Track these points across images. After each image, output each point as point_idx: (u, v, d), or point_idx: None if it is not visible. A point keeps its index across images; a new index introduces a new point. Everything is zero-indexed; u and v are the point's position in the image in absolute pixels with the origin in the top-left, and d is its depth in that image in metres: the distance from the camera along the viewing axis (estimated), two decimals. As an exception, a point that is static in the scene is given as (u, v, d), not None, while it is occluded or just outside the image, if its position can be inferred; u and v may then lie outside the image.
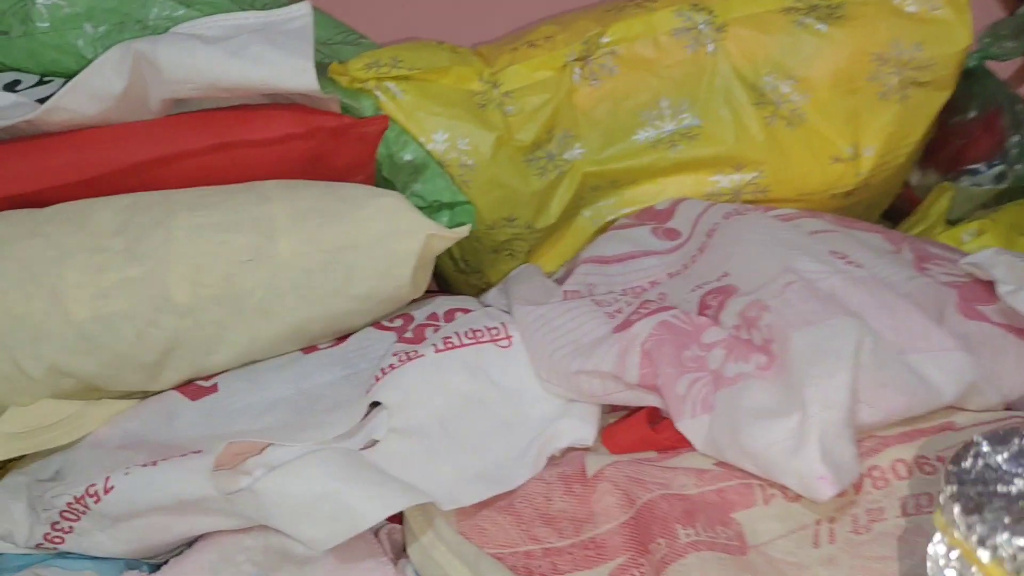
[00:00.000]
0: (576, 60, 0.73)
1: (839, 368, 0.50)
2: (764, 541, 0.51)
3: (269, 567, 0.55)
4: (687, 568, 0.49)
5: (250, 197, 0.61)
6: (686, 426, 0.54)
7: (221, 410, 0.60)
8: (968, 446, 0.37)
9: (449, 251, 0.77)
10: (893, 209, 0.87)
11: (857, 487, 0.52)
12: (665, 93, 0.73)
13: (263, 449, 0.55)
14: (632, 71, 0.73)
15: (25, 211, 0.62)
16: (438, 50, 0.73)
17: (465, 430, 0.58)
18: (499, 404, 0.59)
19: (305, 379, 0.61)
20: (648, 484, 0.53)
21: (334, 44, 0.75)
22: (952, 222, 0.84)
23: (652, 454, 0.57)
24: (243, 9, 0.68)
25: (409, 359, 0.59)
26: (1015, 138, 0.84)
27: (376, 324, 0.65)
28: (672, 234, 0.70)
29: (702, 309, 0.60)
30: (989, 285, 0.60)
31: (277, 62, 0.61)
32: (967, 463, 0.37)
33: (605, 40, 0.73)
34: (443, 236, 0.61)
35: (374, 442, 0.57)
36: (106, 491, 0.54)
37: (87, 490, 0.54)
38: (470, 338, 0.61)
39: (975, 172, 0.85)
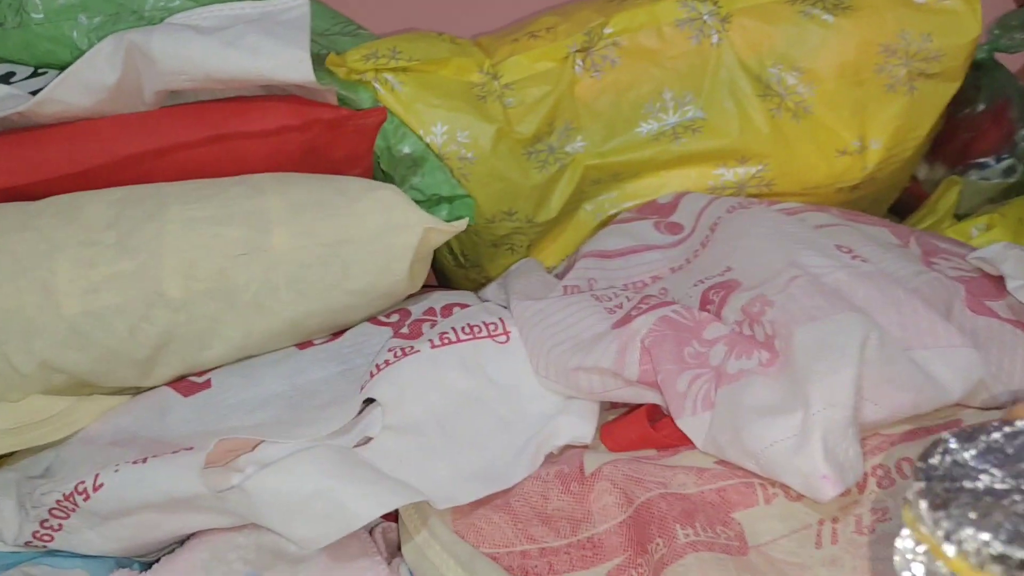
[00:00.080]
0: (578, 51, 0.71)
1: (843, 365, 0.49)
2: (765, 541, 0.50)
3: (262, 566, 0.54)
4: (686, 569, 0.47)
5: (244, 190, 0.60)
6: (686, 424, 0.53)
7: (214, 406, 0.59)
8: (936, 443, 0.37)
9: (448, 245, 0.77)
10: (900, 203, 0.86)
11: (861, 487, 0.51)
12: (668, 85, 0.72)
13: (255, 446, 0.54)
14: (635, 62, 0.72)
15: (16, 204, 0.61)
16: (437, 41, 0.72)
17: (461, 427, 0.57)
18: (496, 401, 0.58)
19: (300, 375, 0.60)
20: (647, 483, 0.52)
21: (332, 35, 0.74)
22: (960, 216, 0.83)
23: (652, 452, 0.56)
24: (240, -1, 0.67)
25: (405, 355, 0.58)
26: (1024, 131, 0.83)
27: (372, 319, 0.64)
28: (675, 228, 0.69)
29: (704, 304, 0.59)
30: (998, 280, 0.59)
31: (273, 53, 0.61)
32: (935, 460, 0.37)
33: (608, 31, 0.71)
34: (441, 230, 0.60)
35: (368, 439, 0.56)
36: (95, 488, 0.53)
37: (76, 487, 0.53)
38: (467, 334, 0.60)
39: (984, 166, 0.84)
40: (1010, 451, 0.36)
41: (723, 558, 0.48)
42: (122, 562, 0.58)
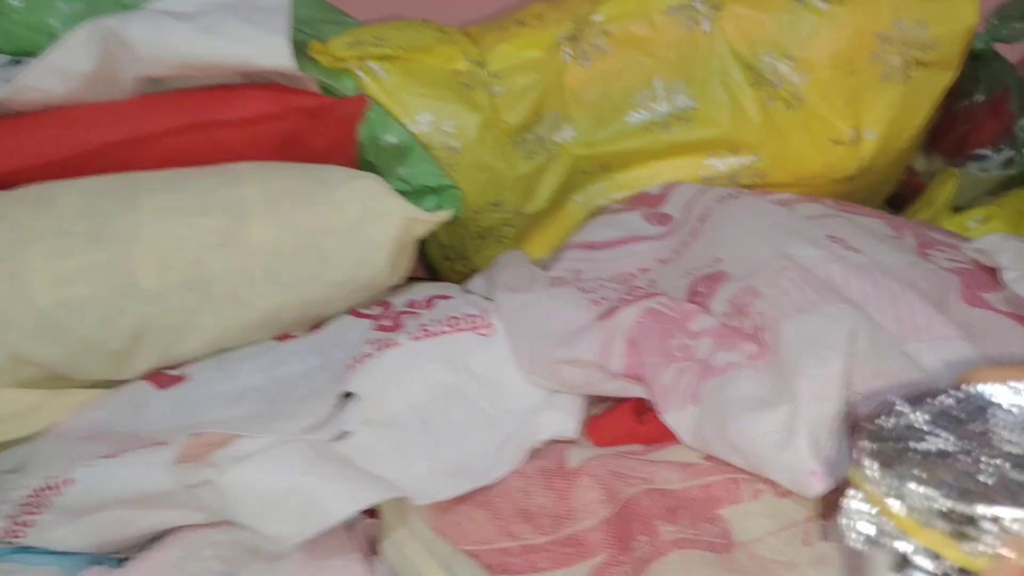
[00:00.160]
0: (567, 39, 0.70)
1: (832, 358, 0.47)
2: (751, 539, 0.49)
3: (237, 563, 0.53)
4: (669, 567, 0.46)
5: (221, 179, 0.59)
6: (672, 418, 0.52)
7: (191, 400, 0.58)
8: (886, 405, 0.38)
9: (435, 237, 0.75)
10: (897, 196, 0.86)
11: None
12: (659, 73, 0.71)
13: (229, 441, 0.52)
14: (625, 51, 0.71)
15: (-11, 193, 0.60)
16: (423, 29, 0.71)
17: (442, 422, 0.55)
18: (478, 395, 0.57)
19: (278, 368, 0.59)
20: (630, 479, 0.51)
21: (316, 23, 0.73)
22: (958, 209, 0.82)
23: (637, 447, 0.54)
24: (219, -15, 0.66)
25: (385, 347, 0.57)
26: (1023, 122, 0.82)
27: (353, 311, 0.63)
28: (664, 219, 0.68)
29: (692, 296, 0.57)
30: (993, 272, 0.58)
31: (252, 39, 0.60)
32: (883, 421, 0.37)
33: (597, 18, 0.70)
34: (422, 220, 0.59)
35: (346, 434, 0.54)
36: (66, 483, 0.52)
37: (47, 482, 0.52)
38: (449, 326, 0.58)
39: (982, 158, 0.83)
40: (959, 415, 0.36)
41: (708, 556, 0.47)
42: (96, 559, 0.56)
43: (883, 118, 0.71)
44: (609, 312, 0.55)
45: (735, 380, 0.50)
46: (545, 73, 0.69)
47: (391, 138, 0.68)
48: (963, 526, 0.31)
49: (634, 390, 0.54)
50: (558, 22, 0.70)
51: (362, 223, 0.58)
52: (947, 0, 0.69)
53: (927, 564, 0.33)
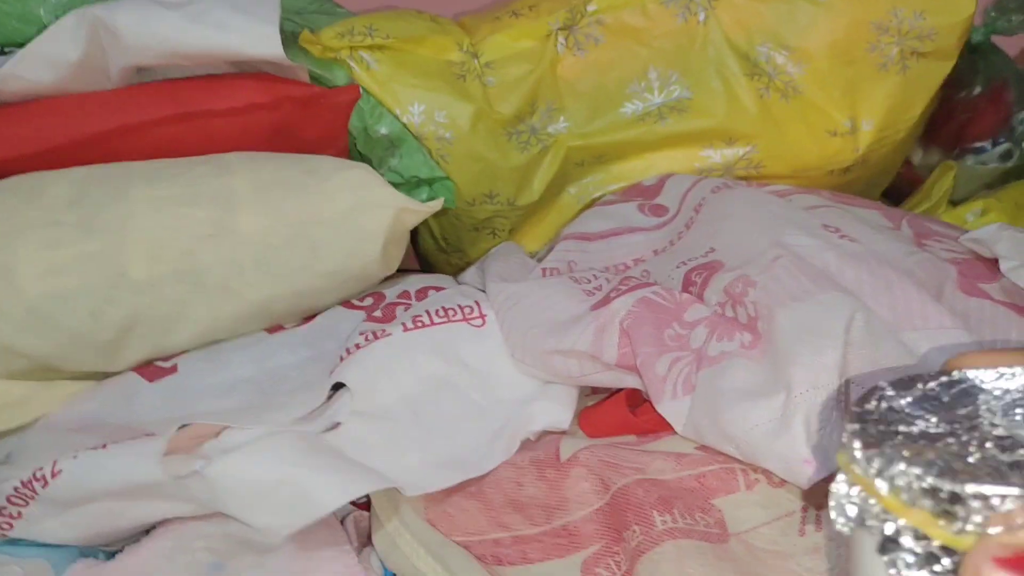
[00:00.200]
0: (560, 29, 0.69)
1: (827, 347, 0.47)
2: (746, 529, 0.48)
3: (227, 555, 0.52)
4: (663, 556, 0.46)
5: (211, 169, 0.58)
6: (666, 408, 0.51)
7: (181, 391, 0.57)
8: (873, 390, 0.37)
9: (429, 229, 0.75)
10: (894, 189, 0.85)
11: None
12: (654, 64, 0.70)
13: (219, 432, 0.52)
14: (619, 41, 0.70)
15: (-23, 184, 0.59)
16: (416, 19, 0.70)
17: (433, 413, 0.55)
18: (470, 386, 0.56)
19: (269, 359, 0.58)
20: (624, 469, 0.50)
21: (308, 13, 0.73)
22: (955, 202, 0.82)
23: (630, 438, 0.54)
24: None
25: (376, 338, 0.56)
26: (1022, 115, 0.82)
27: (345, 303, 0.62)
28: (659, 210, 0.67)
29: (686, 286, 0.57)
30: (991, 262, 0.58)
31: (241, 28, 0.59)
32: (870, 405, 0.36)
33: (591, 8, 0.69)
34: (414, 210, 0.58)
35: (337, 425, 0.54)
36: (53, 475, 0.51)
37: (34, 474, 0.51)
38: (441, 317, 0.58)
39: (980, 150, 0.83)
40: (946, 399, 0.36)
41: (702, 546, 0.46)
42: (85, 552, 0.56)
43: (880, 109, 0.70)
44: (603, 302, 0.55)
45: (729, 369, 0.49)
46: (539, 63, 0.69)
47: (383, 129, 0.67)
48: (949, 504, 0.31)
49: (628, 380, 0.54)
50: (552, 12, 0.69)
51: (353, 213, 0.57)
52: (944, -10, 0.68)
53: (913, 544, 0.32)
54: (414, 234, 0.76)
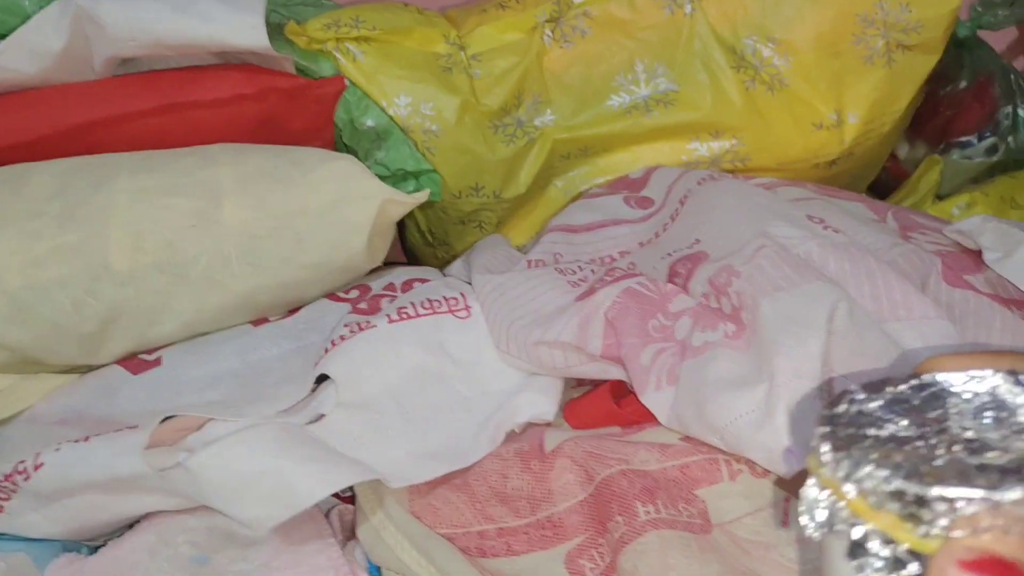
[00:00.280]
0: (547, 21, 0.69)
1: (810, 336, 0.47)
2: (729, 519, 0.48)
3: (210, 548, 0.52)
4: (646, 547, 0.46)
5: (195, 160, 0.58)
6: (650, 399, 0.51)
7: (165, 384, 0.57)
8: (843, 394, 0.37)
9: (416, 223, 0.74)
10: (881, 183, 0.85)
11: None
12: (640, 56, 0.70)
13: (203, 424, 0.52)
14: (606, 33, 0.70)
15: (-42, 176, 0.59)
16: (402, 11, 0.70)
17: (418, 405, 0.55)
18: (455, 378, 0.56)
19: (253, 352, 0.58)
20: (608, 459, 0.50)
21: (294, 4, 0.72)
22: (942, 196, 0.82)
23: (615, 429, 0.54)
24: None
25: (361, 330, 0.56)
26: (1007, 109, 0.82)
27: (331, 295, 0.62)
28: (645, 203, 0.67)
29: (671, 277, 0.57)
30: (976, 254, 0.58)
31: (226, 18, 0.58)
32: (840, 408, 0.36)
33: (577, 0, 0.69)
34: (400, 201, 0.58)
35: (321, 417, 0.54)
36: (36, 468, 0.51)
37: (16, 467, 0.51)
38: (426, 308, 0.58)
39: (966, 145, 0.83)
40: (916, 402, 0.36)
41: (685, 536, 0.46)
42: (68, 546, 0.55)
43: (866, 101, 0.70)
44: (587, 293, 0.55)
45: (713, 360, 0.49)
46: (525, 56, 0.69)
47: (369, 121, 0.67)
48: (915, 508, 0.31)
49: (612, 372, 0.54)
50: (539, 4, 0.69)
51: (339, 205, 0.57)
52: (930, -18, 0.68)
53: (880, 548, 0.32)
54: (402, 227, 0.76)
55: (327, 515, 0.54)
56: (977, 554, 0.29)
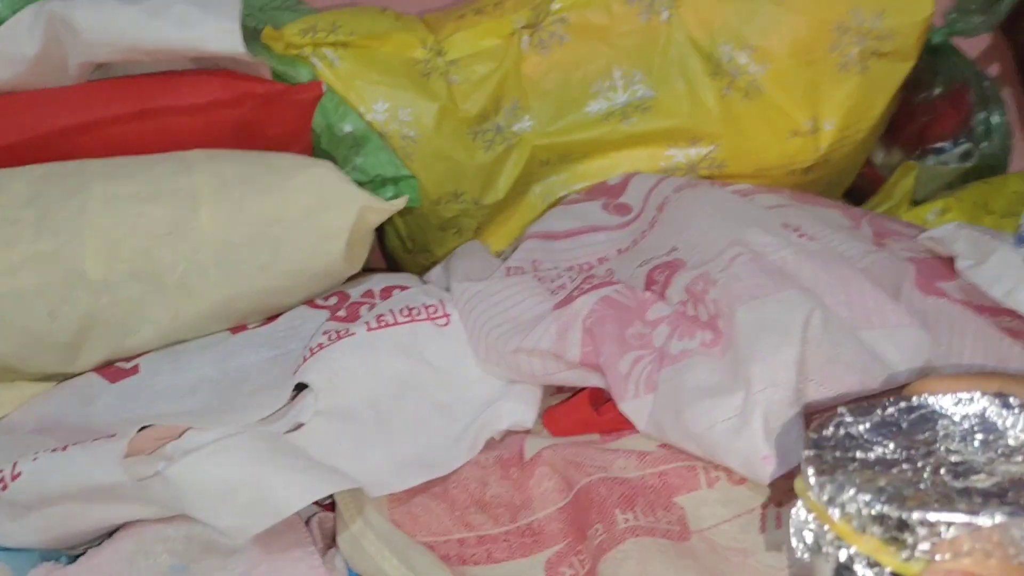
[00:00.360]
0: (525, 27, 0.69)
1: (786, 344, 0.47)
2: (708, 526, 0.48)
3: (190, 558, 0.52)
4: (625, 554, 0.46)
5: (171, 167, 0.58)
6: (628, 407, 0.51)
7: (142, 392, 0.57)
8: (831, 416, 0.37)
9: (395, 229, 0.74)
10: (857, 188, 0.86)
11: (806, 469, 0.49)
12: (618, 63, 0.70)
13: (182, 433, 0.51)
14: (583, 39, 0.70)
15: (-68, 183, 0.58)
16: (380, 16, 0.70)
17: (398, 413, 0.55)
18: (435, 385, 0.56)
19: (231, 359, 0.58)
20: (587, 467, 0.51)
21: (270, 9, 0.72)
22: (917, 202, 0.83)
23: (594, 437, 0.54)
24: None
25: (340, 338, 0.56)
26: (981, 115, 0.83)
27: (309, 302, 0.62)
28: (623, 209, 0.68)
29: (649, 285, 0.57)
30: (949, 261, 0.58)
31: (202, 23, 0.58)
32: (828, 431, 0.37)
33: (555, 6, 0.70)
34: (378, 208, 0.58)
35: (300, 425, 0.54)
36: (13, 477, 0.51)
37: (-8, 477, 0.51)
38: (405, 316, 0.58)
39: (940, 151, 0.84)
40: (904, 425, 0.36)
41: (663, 543, 0.47)
42: (47, 555, 0.55)
43: (841, 108, 0.71)
44: (565, 300, 0.55)
45: (691, 368, 0.50)
46: (503, 62, 0.69)
47: (347, 127, 0.67)
48: (897, 531, 0.31)
49: (591, 379, 0.54)
50: (516, 10, 0.69)
51: (316, 211, 0.57)
52: (904, -10, 0.69)
53: (865, 571, 0.33)
54: (381, 233, 0.76)
55: (307, 523, 0.54)
56: None
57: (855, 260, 0.56)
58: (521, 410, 0.55)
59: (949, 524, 0.31)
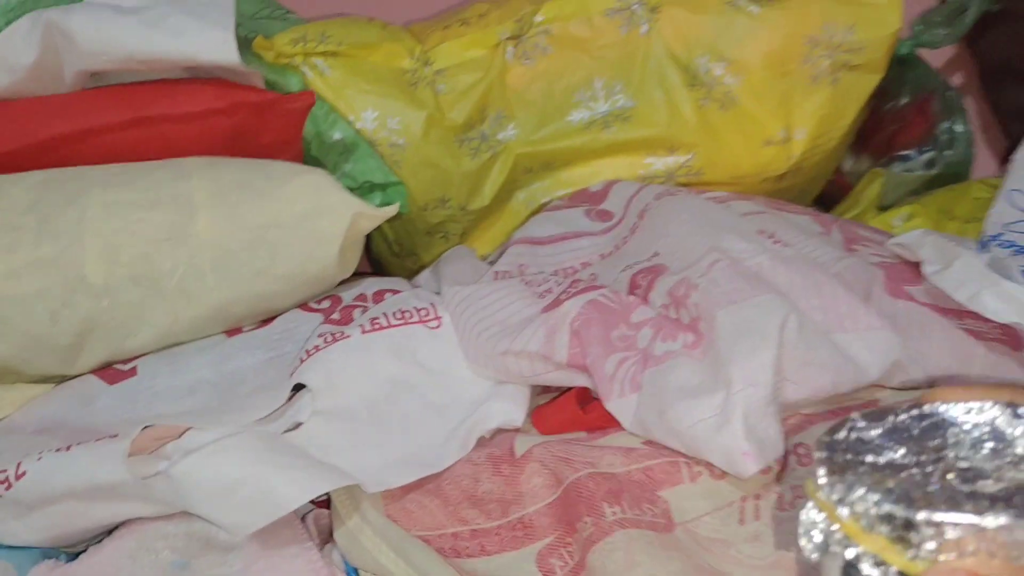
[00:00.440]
0: (509, 39, 0.72)
1: (763, 346, 0.50)
2: (690, 518, 0.51)
3: (190, 554, 0.53)
4: (613, 546, 0.48)
5: (168, 173, 0.59)
6: (614, 406, 0.54)
7: (140, 394, 0.58)
8: (844, 421, 0.38)
9: (383, 233, 0.76)
10: (826, 195, 0.88)
11: (782, 464, 0.52)
12: (599, 74, 0.73)
13: (182, 433, 0.53)
14: (566, 51, 0.72)
15: (-68, 189, 0.59)
16: (368, 26, 0.72)
17: (392, 413, 0.57)
18: (427, 386, 0.58)
19: (227, 362, 0.59)
20: (576, 463, 0.53)
21: (260, 18, 0.73)
22: (884, 208, 0.85)
23: (581, 434, 0.56)
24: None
25: (335, 340, 0.58)
26: (945, 124, 0.85)
27: (303, 306, 0.64)
28: (605, 215, 0.70)
29: (632, 289, 0.60)
30: (916, 266, 0.61)
31: (197, 34, 0.60)
32: (840, 435, 0.38)
33: (539, 19, 0.72)
34: (370, 215, 0.60)
35: (298, 425, 0.55)
36: (17, 477, 0.52)
37: (-3, 476, 0.52)
38: (398, 319, 0.60)
39: (906, 158, 0.86)
40: (916, 431, 0.37)
41: (649, 535, 0.49)
42: (48, 553, 0.56)
43: (812, 119, 0.73)
44: (553, 304, 0.57)
45: (674, 368, 0.52)
46: (488, 72, 0.71)
47: (337, 134, 0.68)
48: (903, 531, 0.33)
49: (578, 379, 0.56)
50: (501, 22, 0.71)
51: (311, 218, 0.58)
52: (872, 6, 0.71)
53: (871, 570, 0.34)
54: (367, 237, 0.78)
55: (303, 520, 0.56)
56: None
57: (828, 265, 0.58)
58: (510, 409, 0.56)
59: (955, 525, 0.32)
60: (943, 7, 0.84)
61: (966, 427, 0.37)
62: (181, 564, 0.52)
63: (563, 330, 0.55)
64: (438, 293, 0.63)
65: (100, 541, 0.55)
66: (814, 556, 0.36)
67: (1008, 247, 0.60)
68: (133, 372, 0.59)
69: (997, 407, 0.37)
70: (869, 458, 0.36)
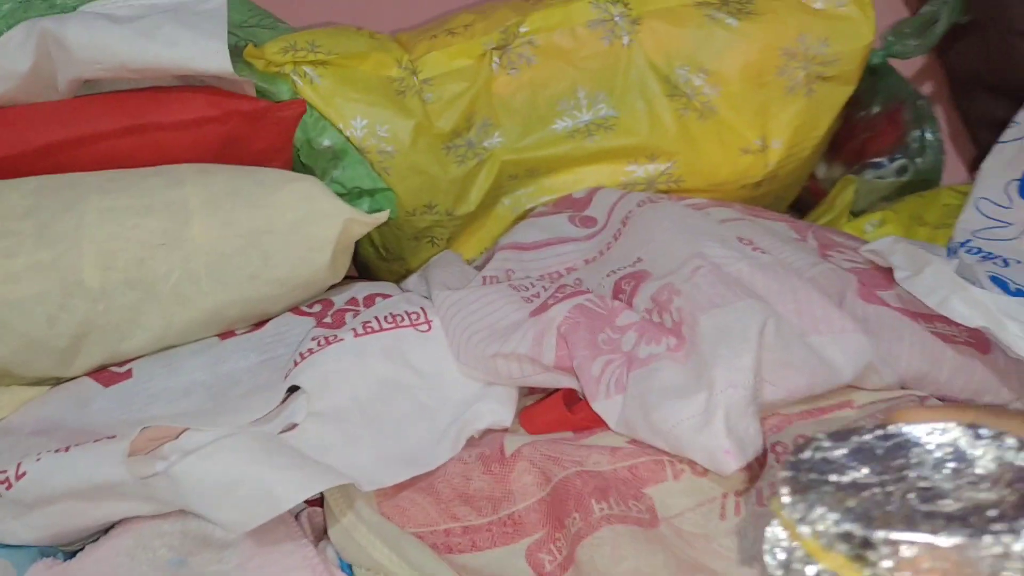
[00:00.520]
0: (495, 49, 0.73)
1: (744, 349, 0.52)
2: (674, 514, 0.53)
3: (187, 552, 0.54)
4: (601, 541, 0.50)
5: (163, 180, 0.60)
6: (600, 406, 0.55)
7: (136, 396, 0.59)
8: (810, 441, 0.39)
9: (370, 238, 0.78)
10: (800, 201, 0.90)
11: (761, 462, 0.54)
12: (582, 84, 0.74)
13: (179, 434, 0.54)
14: (550, 61, 0.74)
15: (-71, 195, 0.60)
16: (356, 36, 0.73)
17: (384, 414, 0.58)
18: (418, 388, 0.59)
19: (221, 364, 0.60)
20: (564, 462, 0.55)
21: (250, 27, 0.75)
22: (856, 213, 0.87)
23: (569, 434, 0.58)
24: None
25: (328, 343, 0.59)
26: (916, 133, 0.87)
27: (295, 310, 0.65)
28: (589, 222, 0.72)
29: (616, 294, 0.61)
30: (888, 271, 0.63)
31: (190, 43, 0.61)
32: (805, 455, 0.38)
33: (523, 29, 0.73)
34: (361, 221, 0.61)
35: (293, 426, 0.57)
36: (17, 477, 0.53)
37: (-3, 477, 0.53)
38: (390, 323, 0.61)
39: (878, 166, 0.88)
40: (880, 452, 0.38)
41: (635, 530, 0.51)
42: (45, 551, 0.57)
43: (788, 128, 0.75)
44: (541, 308, 0.59)
45: (657, 371, 0.54)
46: (475, 81, 0.72)
47: (326, 141, 0.70)
48: (861, 549, 0.33)
49: (565, 381, 0.58)
50: (486, 32, 0.73)
51: (303, 223, 0.60)
52: (846, 19, 0.74)
53: None
54: (356, 242, 0.79)
55: (297, 518, 0.57)
56: None
57: (803, 271, 0.61)
58: (499, 410, 0.58)
59: (910, 543, 0.33)
60: (914, 19, 0.86)
61: (929, 447, 0.38)
62: (178, 561, 0.53)
63: (551, 333, 0.57)
64: (427, 297, 0.65)
65: (97, 540, 0.56)
66: (778, 573, 0.36)
67: (976, 253, 0.62)
68: (128, 374, 0.60)
69: (959, 428, 0.38)
70: (833, 477, 0.37)
